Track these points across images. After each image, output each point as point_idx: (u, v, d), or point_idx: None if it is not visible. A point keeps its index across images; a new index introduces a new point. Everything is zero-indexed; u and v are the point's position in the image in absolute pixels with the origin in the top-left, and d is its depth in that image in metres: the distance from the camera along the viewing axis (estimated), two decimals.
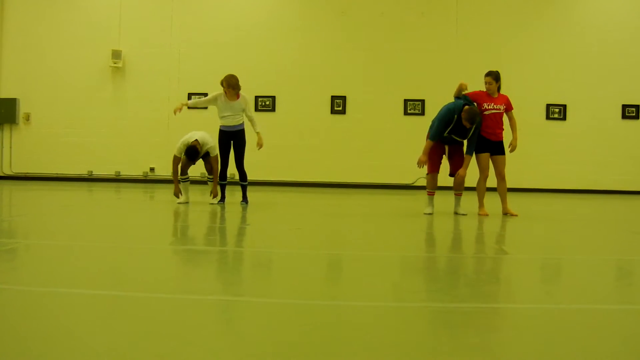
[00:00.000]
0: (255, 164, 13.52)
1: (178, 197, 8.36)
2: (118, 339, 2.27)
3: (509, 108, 7.70)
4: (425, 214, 7.49)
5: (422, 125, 13.68)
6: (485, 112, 7.53)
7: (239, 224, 6.70)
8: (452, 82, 13.74)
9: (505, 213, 7.64)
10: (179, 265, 4.07)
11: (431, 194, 7.71)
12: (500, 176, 7.70)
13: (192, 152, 8.09)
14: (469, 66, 13.73)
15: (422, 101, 13.80)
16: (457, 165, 7.62)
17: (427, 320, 2.72)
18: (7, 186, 12.25)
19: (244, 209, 7.81)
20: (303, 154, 14.02)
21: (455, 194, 7.72)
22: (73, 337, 2.29)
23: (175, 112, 8.27)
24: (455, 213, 7.60)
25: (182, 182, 8.44)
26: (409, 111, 13.87)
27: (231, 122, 8.25)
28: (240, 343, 2.28)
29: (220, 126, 8.31)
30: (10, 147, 14.72)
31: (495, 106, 7.58)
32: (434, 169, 7.67)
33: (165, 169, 14.29)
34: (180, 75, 14.16)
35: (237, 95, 8.22)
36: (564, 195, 13.13)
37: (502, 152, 7.68)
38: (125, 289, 3.17)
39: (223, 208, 7.90)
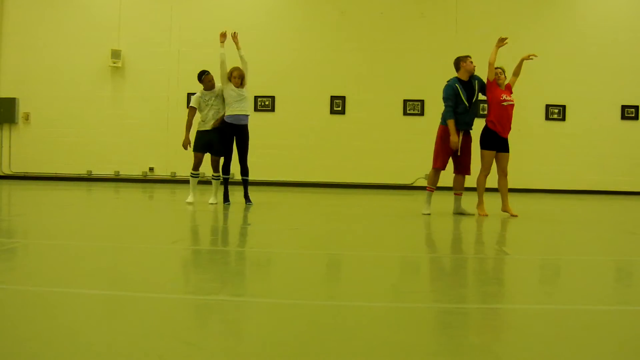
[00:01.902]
0: (255, 164, 13.48)
1: (186, 149, 8.49)
2: (117, 339, 2.27)
3: (510, 88, 7.72)
4: (423, 214, 7.50)
5: (421, 126, 13.77)
6: (503, 104, 7.50)
7: (239, 224, 6.70)
8: None
9: (505, 211, 7.63)
10: (179, 265, 4.07)
11: (431, 190, 7.66)
12: (503, 173, 7.68)
13: (202, 72, 8.41)
14: None
15: (422, 101, 13.80)
16: (463, 165, 7.59)
17: (427, 320, 2.72)
18: (6, 186, 12.25)
19: (246, 209, 7.80)
20: (302, 154, 14.02)
21: (455, 194, 7.71)
22: (72, 337, 2.29)
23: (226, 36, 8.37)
24: (459, 213, 7.59)
25: (193, 177, 8.50)
26: (408, 111, 13.87)
27: (240, 110, 8.29)
28: (239, 343, 2.28)
29: (226, 117, 8.30)
30: (10, 147, 14.71)
31: (509, 98, 7.55)
32: (441, 165, 7.60)
33: (164, 169, 14.30)
34: (179, 75, 14.15)
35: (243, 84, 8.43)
36: (563, 195, 13.14)
37: (508, 150, 7.66)
38: (124, 288, 3.16)
39: (227, 208, 7.90)
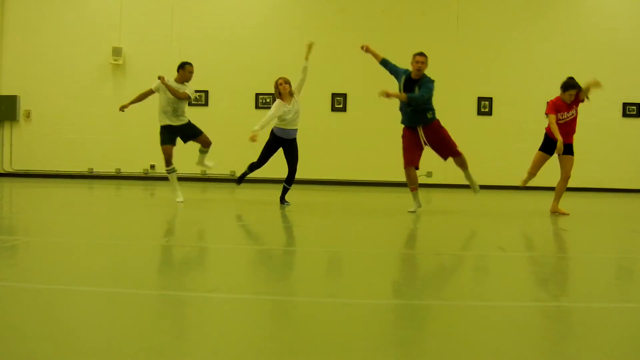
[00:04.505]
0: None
1: (122, 111, 8.44)
2: (118, 336, 2.27)
3: (578, 104, 7.78)
4: (409, 211, 7.40)
5: None
6: (559, 121, 7.59)
7: (238, 221, 6.70)
8: (453, 79, 13.76)
9: (554, 211, 7.65)
10: (178, 263, 4.07)
11: (414, 190, 7.50)
12: (563, 174, 7.71)
13: (184, 62, 8.29)
14: (469, 65, 13.72)
15: None
16: (443, 149, 7.44)
17: (429, 319, 2.72)
18: (8, 183, 12.25)
19: (281, 208, 7.81)
20: (303, 152, 13.91)
21: (463, 171, 7.61)
22: (73, 334, 2.29)
23: (253, 139, 7.70)
24: (470, 183, 7.59)
25: (170, 173, 8.23)
26: None
27: (292, 125, 8.09)
28: (238, 340, 2.28)
29: (275, 128, 8.06)
30: (11, 144, 14.71)
31: (566, 115, 7.65)
32: (411, 162, 7.48)
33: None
34: None
35: (290, 94, 8.10)
36: (564, 193, 13.10)
37: (571, 153, 7.66)
38: (125, 286, 3.17)
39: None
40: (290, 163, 8.16)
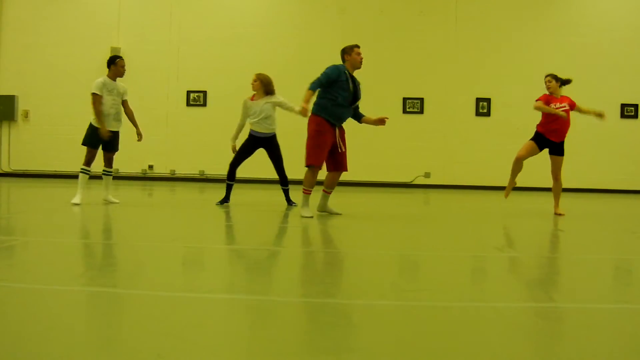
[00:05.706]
0: (254, 163, 13.51)
1: (107, 139, 7.75)
2: (116, 337, 2.27)
3: (573, 106, 7.62)
4: (304, 217, 6.77)
5: (421, 124, 13.78)
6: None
7: (238, 222, 6.70)
8: (451, 80, 13.76)
9: (557, 213, 7.71)
10: (177, 263, 4.07)
11: (308, 193, 6.99)
12: (553, 176, 7.76)
13: (114, 56, 7.83)
14: (467, 64, 13.74)
15: (421, 99, 13.79)
16: (338, 163, 7.03)
17: (426, 320, 2.73)
18: (6, 183, 12.24)
19: (287, 209, 7.80)
20: (302, 153, 13.99)
21: (324, 191, 7.17)
22: (71, 335, 2.29)
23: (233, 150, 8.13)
24: (328, 212, 7.07)
25: (84, 174, 7.83)
26: (407, 109, 13.86)
27: (259, 127, 7.98)
28: (237, 341, 2.28)
29: (251, 130, 8.03)
30: (9, 144, 14.70)
31: (560, 105, 7.54)
32: (319, 161, 6.94)
33: (164, 167, 14.30)
34: (179, 73, 14.15)
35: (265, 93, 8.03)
36: (562, 194, 13.12)
37: (560, 154, 7.66)
38: (123, 286, 3.17)
39: (226, 207, 7.90)
40: (275, 164, 8.09)
